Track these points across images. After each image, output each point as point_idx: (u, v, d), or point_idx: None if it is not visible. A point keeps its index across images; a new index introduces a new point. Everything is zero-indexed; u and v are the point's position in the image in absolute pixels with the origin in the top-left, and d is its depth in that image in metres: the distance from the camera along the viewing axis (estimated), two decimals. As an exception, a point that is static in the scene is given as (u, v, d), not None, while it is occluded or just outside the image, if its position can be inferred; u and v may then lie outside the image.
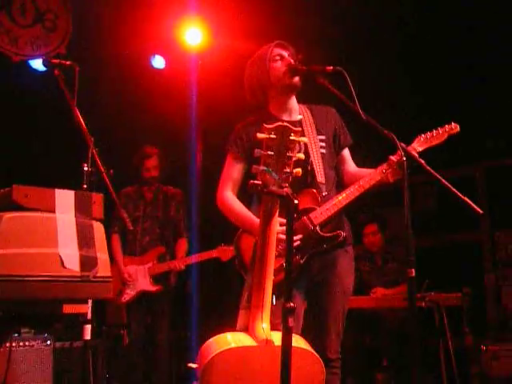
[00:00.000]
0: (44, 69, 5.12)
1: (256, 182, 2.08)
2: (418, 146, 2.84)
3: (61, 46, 5.32)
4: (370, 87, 4.01)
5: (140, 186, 4.98)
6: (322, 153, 2.91)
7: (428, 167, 2.93)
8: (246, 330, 2.28)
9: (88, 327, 2.54)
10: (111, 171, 2.70)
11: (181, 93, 5.73)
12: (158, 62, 5.99)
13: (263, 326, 2.23)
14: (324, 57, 3.33)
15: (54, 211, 1.85)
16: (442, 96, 5.21)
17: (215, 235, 5.20)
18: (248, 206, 2.90)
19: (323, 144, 2.95)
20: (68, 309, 1.86)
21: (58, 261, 1.81)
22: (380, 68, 5.35)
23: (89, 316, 2.57)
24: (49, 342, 4.38)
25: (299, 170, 2.14)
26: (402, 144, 2.90)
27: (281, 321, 2.00)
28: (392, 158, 2.81)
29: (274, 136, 2.09)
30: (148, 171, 4.90)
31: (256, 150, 2.06)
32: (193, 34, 5.72)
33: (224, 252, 4.58)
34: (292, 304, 1.98)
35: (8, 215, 1.76)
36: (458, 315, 4.51)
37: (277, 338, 2.16)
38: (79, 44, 5.42)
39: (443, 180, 2.97)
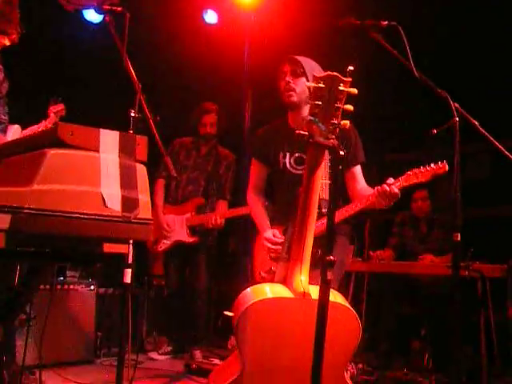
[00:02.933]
0: (97, 20, 5.19)
1: (302, 131, 2.04)
2: (404, 181, 2.84)
3: (114, -5, 5.31)
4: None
5: (197, 140, 4.94)
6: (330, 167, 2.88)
7: (485, 132, 2.85)
8: (284, 281, 2.27)
9: (129, 271, 2.57)
10: (158, 118, 2.70)
11: (233, 49, 5.66)
12: (211, 16, 5.94)
13: (301, 278, 2.21)
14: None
15: (97, 150, 1.85)
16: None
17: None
18: (272, 206, 3.21)
19: None
20: (108, 248, 1.88)
21: (99, 200, 1.81)
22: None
23: (130, 260, 2.59)
24: (92, 287, 4.52)
25: (347, 122, 2.08)
26: (456, 104, 2.81)
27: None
28: (377, 188, 2.82)
29: (323, 85, 2.03)
30: (204, 127, 4.86)
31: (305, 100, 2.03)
32: (246, -11, 5.63)
33: None
34: (332, 257, 1.94)
35: (53, 151, 1.76)
36: (501, 287, 4.41)
37: (314, 291, 2.15)
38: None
39: (498, 144, 2.88)
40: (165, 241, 4.75)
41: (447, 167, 2.84)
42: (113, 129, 2.07)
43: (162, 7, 5.55)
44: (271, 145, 3.12)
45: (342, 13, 3.20)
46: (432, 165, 2.83)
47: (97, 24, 5.28)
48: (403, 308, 4.81)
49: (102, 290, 4.77)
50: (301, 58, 2.99)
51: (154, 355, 4.77)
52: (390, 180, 2.81)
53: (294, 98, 2.99)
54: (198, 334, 4.85)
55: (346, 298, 2.46)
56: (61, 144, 1.82)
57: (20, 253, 1.80)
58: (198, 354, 4.71)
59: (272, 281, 2.59)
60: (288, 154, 3.05)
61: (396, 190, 2.78)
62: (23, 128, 3.57)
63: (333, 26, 3.19)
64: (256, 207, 3.19)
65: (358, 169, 3.09)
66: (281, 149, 3.07)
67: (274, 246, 2.89)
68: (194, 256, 4.81)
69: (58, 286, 4.26)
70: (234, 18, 5.84)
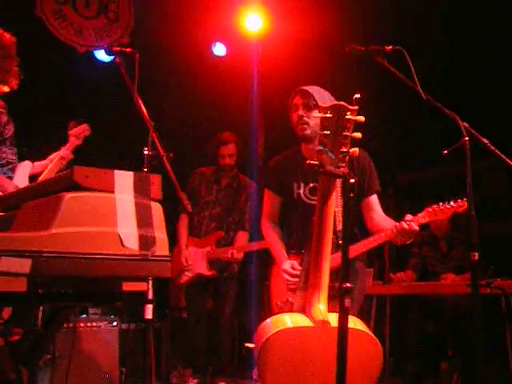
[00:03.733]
0: (108, 59, 5.31)
1: (313, 161, 2.07)
2: (422, 217, 2.82)
3: (123, 36, 5.45)
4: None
5: (217, 170, 4.89)
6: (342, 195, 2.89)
7: (496, 150, 2.86)
8: (303, 310, 2.28)
9: (149, 307, 2.60)
10: (171, 155, 2.74)
11: (242, 80, 5.74)
12: (219, 49, 6.03)
13: (320, 306, 2.22)
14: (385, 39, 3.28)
15: (113, 191, 1.89)
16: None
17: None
18: (288, 235, 3.21)
19: None
20: (127, 286, 1.90)
21: (117, 240, 1.85)
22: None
23: (150, 296, 2.62)
24: (115, 324, 4.54)
25: (356, 149, 2.11)
26: (465, 124, 2.83)
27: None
28: (395, 225, 2.80)
29: (330, 115, 2.07)
30: (223, 158, 4.80)
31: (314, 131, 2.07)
32: (253, 20, 5.72)
33: None
34: (349, 284, 1.96)
35: (69, 195, 1.81)
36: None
37: (333, 319, 2.15)
38: (141, 34, 5.53)
39: (509, 161, 2.88)
40: (187, 273, 4.77)
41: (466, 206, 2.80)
42: (127, 167, 2.12)
43: (171, 43, 5.65)
44: (285, 175, 3.13)
45: (348, 40, 3.26)
46: (452, 202, 2.81)
47: (108, 63, 5.40)
48: (428, 329, 4.76)
49: (124, 326, 4.78)
50: (312, 89, 3.00)
51: None
52: (409, 217, 2.79)
53: (308, 132, 2.99)
54: (222, 365, 4.84)
55: (369, 323, 2.47)
56: (77, 187, 1.86)
57: (41, 295, 1.83)
58: (222, 384, 4.70)
59: (289, 311, 2.60)
60: (302, 185, 3.06)
61: (415, 227, 2.76)
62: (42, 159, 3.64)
63: (339, 54, 3.24)
64: (271, 237, 3.20)
65: (373, 198, 3.08)
66: (295, 179, 3.08)
67: (292, 279, 2.88)
68: (217, 287, 4.82)
69: (81, 324, 4.28)
70: (241, 49, 5.93)
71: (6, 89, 3.21)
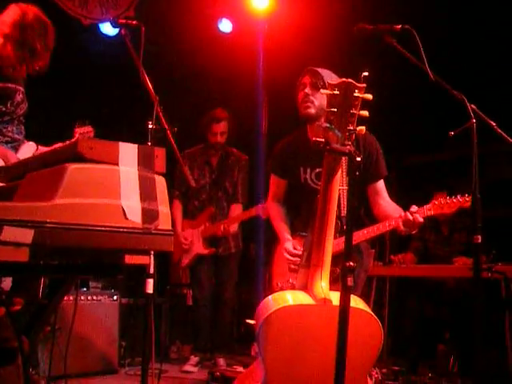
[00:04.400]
0: (113, 32, 5.26)
1: (319, 139, 2.05)
2: (428, 210, 2.79)
3: (129, 9, 5.39)
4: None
5: (206, 149, 4.91)
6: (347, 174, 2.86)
7: (502, 133, 2.83)
8: (305, 288, 2.28)
9: (150, 281, 2.61)
10: (175, 129, 2.73)
11: (247, 57, 5.69)
12: (225, 25, 5.98)
13: (322, 284, 2.22)
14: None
15: (117, 164, 1.88)
16: None
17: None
18: (294, 217, 3.22)
19: None
20: (130, 259, 1.90)
21: (120, 212, 1.83)
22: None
23: (151, 270, 2.62)
24: (115, 298, 4.56)
25: (363, 128, 2.09)
26: (473, 105, 2.80)
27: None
28: (400, 215, 2.79)
29: (338, 92, 2.05)
30: (214, 136, 4.81)
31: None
32: (260, -2, 5.66)
33: (264, 210, 4.49)
34: (351, 263, 1.95)
35: (73, 166, 1.79)
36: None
37: (335, 297, 2.15)
38: (147, 8, 5.47)
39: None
40: (186, 255, 4.79)
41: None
42: (131, 140, 2.11)
43: (177, 18, 5.60)
44: (291, 160, 3.12)
45: (356, 18, 3.22)
46: (458, 197, 2.78)
47: (113, 37, 5.34)
48: (427, 311, 4.78)
49: (124, 300, 4.81)
50: (322, 71, 2.98)
51: (188, 368, 4.70)
52: (414, 208, 2.78)
53: (312, 110, 2.98)
54: (222, 341, 4.86)
55: (368, 303, 2.46)
56: (81, 158, 1.85)
57: (43, 266, 1.82)
58: (221, 361, 4.73)
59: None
60: (309, 170, 3.04)
61: (420, 219, 2.75)
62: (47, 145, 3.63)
63: (347, 32, 3.21)
64: (276, 216, 3.20)
65: (380, 183, 3.07)
66: (301, 164, 3.06)
67: (293, 258, 2.90)
68: (220, 265, 4.83)
69: (82, 298, 4.30)
70: (248, 26, 5.87)
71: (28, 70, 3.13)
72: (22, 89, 3.23)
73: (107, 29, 5.39)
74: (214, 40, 5.90)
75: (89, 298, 4.41)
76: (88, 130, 3.80)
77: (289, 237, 3.09)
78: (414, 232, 2.86)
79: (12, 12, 3.07)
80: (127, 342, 4.74)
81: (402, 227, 2.79)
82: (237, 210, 4.86)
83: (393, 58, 3.05)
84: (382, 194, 3.06)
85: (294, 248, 2.96)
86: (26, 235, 1.70)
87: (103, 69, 5.34)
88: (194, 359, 4.77)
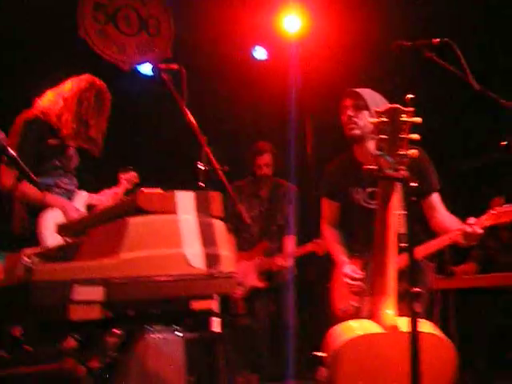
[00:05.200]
0: (151, 72, 5.37)
1: (371, 166, 2.05)
2: (485, 220, 2.76)
3: (166, 49, 5.52)
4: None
5: (254, 181, 4.92)
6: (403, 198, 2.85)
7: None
8: (371, 316, 2.26)
9: (216, 320, 2.63)
10: (226, 168, 2.77)
11: (284, 82, 5.72)
12: (260, 53, 6.03)
13: (388, 312, 2.19)
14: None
15: (176, 212, 1.92)
16: None
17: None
18: (350, 238, 3.22)
19: None
20: (196, 305, 1.93)
21: (183, 260, 1.87)
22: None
23: (216, 309, 2.65)
24: (179, 334, 4.59)
25: (415, 151, 2.08)
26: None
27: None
28: (459, 228, 2.76)
29: (386, 119, 2.04)
30: (260, 168, 4.82)
31: (369, 135, 2.06)
32: (291, 22, 5.70)
33: (319, 245, 4.47)
34: (418, 288, 1.93)
35: (134, 220, 1.85)
36: None
37: (404, 324, 2.12)
38: (183, 44, 5.59)
39: None
40: (241, 287, 4.81)
41: None
42: (182, 183, 2.15)
43: (211, 50, 5.68)
44: (341, 182, 3.14)
45: (392, 35, 3.21)
46: None
47: (151, 76, 5.44)
48: (495, 321, 4.65)
49: (188, 335, 4.84)
50: (362, 91, 3.00)
51: None
52: (472, 220, 2.76)
53: (357, 131, 3.00)
54: (288, 368, 4.84)
55: (433, 318, 2.43)
56: (141, 211, 1.89)
57: (114, 320, 1.87)
58: (291, 388, 4.70)
59: (352, 315, 2.59)
60: (360, 190, 3.05)
61: (479, 231, 2.72)
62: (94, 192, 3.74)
63: (384, 51, 3.21)
64: (332, 241, 3.21)
65: (435, 197, 3.04)
66: (352, 185, 3.08)
67: (353, 282, 2.88)
68: (277, 293, 4.84)
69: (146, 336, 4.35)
70: (281, 51, 5.91)
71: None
72: (73, 144, 3.38)
73: (145, 69, 5.51)
74: (249, 67, 5.96)
75: (152, 336, 4.44)
76: (132, 175, 3.90)
77: (346, 259, 3.08)
78: (474, 244, 2.82)
79: (79, 82, 3.27)
80: (194, 376, 4.76)
81: (461, 240, 2.75)
82: (290, 242, 4.85)
83: (431, 71, 3.03)
84: (437, 207, 3.04)
85: (354, 271, 2.95)
86: (97, 292, 1.75)
87: (144, 110, 5.44)
88: None
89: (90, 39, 5.20)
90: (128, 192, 3.83)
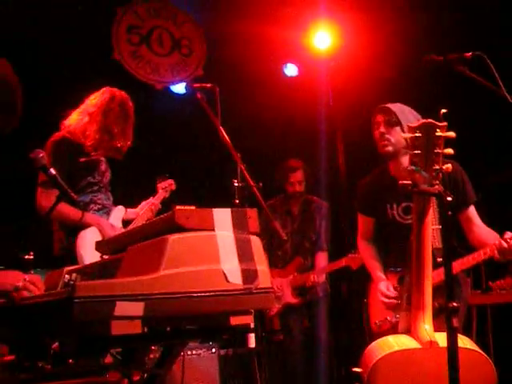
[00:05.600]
0: (184, 91, 5.47)
1: (406, 182, 2.06)
2: None
3: (198, 69, 5.61)
4: None
5: (286, 199, 4.95)
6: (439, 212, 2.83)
7: None
8: (409, 332, 2.25)
9: (252, 336, 2.65)
10: (260, 184, 2.80)
11: (315, 98, 5.75)
12: (291, 69, 6.07)
13: (426, 327, 2.19)
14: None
15: (213, 229, 1.95)
16: None
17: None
18: (385, 253, 3.23)
19: None
20: (235, 320, 1.95)
21: (221, 276, 1.90)
22: None
23: (252, 325, 2.67)
24: (214, 350, 4.62)
25: (449, 165, 2.08)
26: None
27: None
28: (495, 244, 2.74)
29: (420, 134, 2.06)
30: (292, 186, 4.85)
31: (403, 150, 2.08)
32: (321, 38, 5.74)
33: (353, 260, 4.47)
34: (455, 304, 1.92)
35: (174, 237, 1.88)
36: None
37: (441, 339, 2.12)
38: (215, 63, 5.67)
39: None
40: (276, 304, 4.82)
41: None
42: (218, 199, 2.19)
43: (243, 69, 5.74)
44: (376, 198, 3.15)
45: (424, 49, 3.22)
46: None
47: (183, 95, 5.53)
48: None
49: (223, 352, 4.86)
50: (393, 106, 3.01)
51: None
52: (508, 234, 2.74)
53: (389, 148, 3.01)
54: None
55: (470, 334, 2.41)
56: (179, 228, 1.93)
57: (155, 335, 1.91)
58: (326, 405, 4.68)
59: (388, 330, 2.58)
60: (395, 205, 3.06)
61: None
62: (131, 206, 3.81)
63: (414, 65, 3.22)
64: (368, 256, 3.22)
65: (471, 210, 3.04)
66: (387, 201, 3.09)
67: (387, 300, 2.88)
68: (311, 310, 4.84)
69: (181, 353, 4.38)
70: (312, 67, 5.95)
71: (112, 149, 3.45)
72: (103, 158, 3.45)
73: (177, 88, 5.61)
74: (280, 84, 5.99)
75: (188, 352, 4.48)
76: (169, 183, 3.96)
77: (382, 275, 3.08)
78: (510, 258, 2.80)
79: (102, 95, 3.35)
80: (230, 392, 4.77)
81: (497, 255, 2.73)
82: (322, 258, 4.87)
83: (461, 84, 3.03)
84: (474, 220, 3.03)
85: (388, 289, 2.94)
86: (138, 308, 1.79)
87: (178, 129, 5.51)
88: None
89: (124, 60, 5.31)
90: (164, 200, 3.88)
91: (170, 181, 3.96)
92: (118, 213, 3.59)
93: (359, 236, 3.31)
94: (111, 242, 2.42)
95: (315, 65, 5.91)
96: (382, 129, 3.02)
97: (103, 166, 3.49)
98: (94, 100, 3.43)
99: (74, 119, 3.44)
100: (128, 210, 3.75)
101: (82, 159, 3.36)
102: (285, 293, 4.82)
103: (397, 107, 3.01)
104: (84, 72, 4.97)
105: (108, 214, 3.50)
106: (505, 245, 2.70)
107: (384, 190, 3.09)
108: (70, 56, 4.99)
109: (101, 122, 3.35)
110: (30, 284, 2.08)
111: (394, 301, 2.84)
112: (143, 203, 3.86)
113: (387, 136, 2.99)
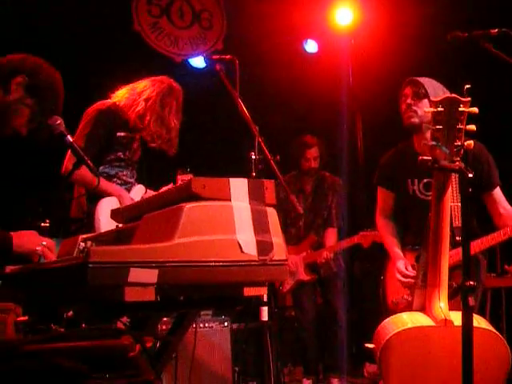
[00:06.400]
0: (203, 65, 5.43)
1: (426, 157, 2.03)
2: None
3: (218, 42, 5.57)
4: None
5: (299, 176, 4.92)
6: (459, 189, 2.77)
7: None
8: (423, 309, 2.24)
9: (265, 309, 2.64)
10: (278, 157, 2.78)
11: (336, 75, 5.69)
12: (311, 46, 6.00)
13: (441, 305, 2.17)
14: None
15: (229, 199, 1.94)
16: None
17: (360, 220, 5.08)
18: (404, 230, 3.18)
19: None
20: (248, 291, 1.94)
21: (236, 246, 1.89)
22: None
23: (265, 298, 2.67)
24: (226, 324, 4.64)
25: (471, 142, 2.04)
26: None
27: None
28: None
29: (442, 109, 2.02)
30: (308, 161, 4.81)
31: (424, 125, 2.04)
32: (343, 14, 5.67)
33: (365, 238, 4.44)
34: (472, 282, 1.90)
35: (189, 205, 1.87)
36: None
37: (456, 317, 2.10)
38: (235, 37, 5.62)
39: None
40: (289, 280, 4.83)
41: None
42: (236, 171, 2.17)
43: (263, 44, 5.68)
44: (398, 172, 3.10)
45: (448, 24, 3.15)
46: None
47: (203, 69, 5.49)
48: None
49: (235, 326, 4.88)
50: (423, 79, 2.94)
51: None
52: None
53: (415, 120, 2.93)
54: (333, 363, 4.83)
55: (484, 317, 2.39)
56: (195, 197, 1.92)
57: (168, 303, 1.91)
58: (335, 382, 4.69)
59: (404, 308, 2.56)
60: (416, 181, 3.01)
61: None
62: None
63: (437, 42, 3.15)
64: (386, 233, 3.17)
65: (497, 191, 2.98)
66: (408, 175, 3.03)
67: (405, 279, 2.86)
68: (325, 286, 4.84)
69: (194, 326, 4.41)
70: (333, 44, 5.87)
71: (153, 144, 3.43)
72: (138, 137, 3.45)
73: (196, 62, 5.57)
74: (300, 61, 5.93)
75: (201, 325, 4.50)
76: (189, 177, 3.95)
77: (400, 253, 3.04)
78: None
79: (160, 84, 3.32)
80: (240, 366, 4.80)
81: None
82: (331, 234, 4.86)
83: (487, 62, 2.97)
84: (501, 202, 2.98)
85: (406, 268, 2.91)
86: (151, 275, 1.79)
87: (196, 102, 5.48)
88: (306, 382, 4.76)
89: (144, 32, 5.28)
90: None
91: (191, 175, 3.96)
92: (139, 190, 3.60)
93: (378, 212, 3.25)
94: (127, 211, 2.42)
95: (336, 41, 5.83)
96: (410, 100, 2.95)
97: (136, 144, 3.51)
98: (152, 87, 3.40)
99: (126, 97, 3.42)
100: (148, 190, 3.76)
101: (120, 134, 3.38)
102: (298, 270, 4.83)
103: (426, 81, 2.94)
104: (103, 44, 4.96)
105: (129, 190, 3.51)
106: None
107: (406, 165, 3.04)
108: (88, 28, 4.98)
109: (158, 113, 3.35)
110: (48, 249, 2.09)
111: (412, 280, 2.81)
112: (164, 188, 3.87)
113: (414, 108, 2.93)
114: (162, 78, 3.45)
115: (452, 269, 2.23)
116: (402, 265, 2.92)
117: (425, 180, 2.94)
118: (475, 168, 2.85)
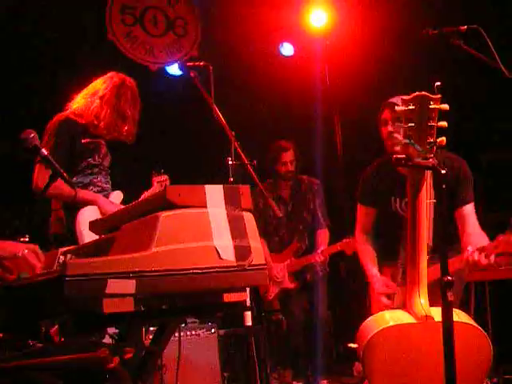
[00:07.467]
0: (179, 73, 5.42)
1: (399, 156, 2.04)
2: (491, 248, 2.46)
3: (193, 49, 5.56)
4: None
5: (276, 183, 4.89)
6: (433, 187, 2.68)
7: None
8: (404, 306, 2.25)
9: (248, 314, 2.64)
10: (254, 162, 2.78)
11: (312, 77, 5.70)
12: (287, 49, 6.01)
13: (421, 301, 2.18)
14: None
15: (205, 206, 1.94)
16: None
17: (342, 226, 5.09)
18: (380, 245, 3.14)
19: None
20: (228, 297, 1.94)
21: (214, 253, 1.89)
22: None
23: (248, 303, 2.67)
24: (213, 330, 4.63)
25: (443, 138, 2.06)
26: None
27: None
28: (462, 258, 2.52)
29: (413, 107, 2.03)
30: (285, 165, 4.79)
31: (396, 124, 2.05)
32: (317, 16, 5.68)
33: (348, 245, 4.45)
34: (450, 277, 1.91)
35: (165, 214, 1.87)
36: None
37: (436, 313, 2.11)
38: (209, 43, 5.61)
39: None
40: (273, 288, 4.84)
41: None
42: (212, 178, 2.17)
43: (238, 48, 5.69)
44: (381, 189, 3.04)
45: (414, 28, 3.18)
46: None
47: (179, 76, 5.48)
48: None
49: (222, 332, 4.87)
50: (399, 100, 2.91)
51: None
52: (470, 248, 2.51)
53: (398, 148, 2.88)
54: (321, 365, 4.83)
55: (469, 311, 2.40)
56: (171, 205, 1.91)
57: (147, 313, 1.90)
58: (325, 383, 4.70)
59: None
60: (398, 199, 2.95)
61: (483, 262, 2.46)
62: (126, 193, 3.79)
63: (410, 42, 3.18)
64: (364, 252, 3.11)
65: (467, 208, 2.87)
66: (392, 194, 2.97)
67: (388, 301, 2.68)
68: (310, 290, 4.85)
69: (181, 333, 4.38)
70: (309, 46, 5.89)
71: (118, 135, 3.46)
72: (104, 142, 3.45)
73: (173, 70, 5.56)
74: (277, 64, 5.94)
75: (188, 333, 4.49)
76: (164, 178, 3.94)
77: (377, 273, 2.96)
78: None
79: (111, 79, 3.36)
80: (229, 372, 4.78)
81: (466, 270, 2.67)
82: (323, 235, 4.85)
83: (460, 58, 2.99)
84: (469, 221, 2.86)
85: (387, 286, 2.77)
86: (129, 286, 1.78)
87: (173, 109, 5.47)
88: None
89: (119, 41, 5.26)
90: None
91: (165, 176, 3.95)
92: (117, 196, 3.58)
93: (358, 229, 3.20)
94: (105, 222, 2.41)
95: (311, 43, 5.84)
96: (390, 127, 2.91)
97: (104, 149, 3.51)
98: (104, 84, 3.44)
99: (81, 102, 3.44)
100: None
101: (85, 140, 3.39)
102: (282, 278, 4.84)
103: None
104: (77, 54, 4.93)
105: (107, 197, 3.50)
106: (470, 259, 2.47)
107: (388, 183, 2.99)
108: (62, 38, 4.95)
109: (114, 106, 3.38)
110: (31, 252, 2.04)
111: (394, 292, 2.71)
112: (144, 193, 3.85)
113: (395, 135, 2.82)
114: (112, 74, 3.49)
115: (432, 285, 2.19)
116: (380, 286, 2.80)
117: (406, 199, 2.87)
118: (454, 182, 2.82)
